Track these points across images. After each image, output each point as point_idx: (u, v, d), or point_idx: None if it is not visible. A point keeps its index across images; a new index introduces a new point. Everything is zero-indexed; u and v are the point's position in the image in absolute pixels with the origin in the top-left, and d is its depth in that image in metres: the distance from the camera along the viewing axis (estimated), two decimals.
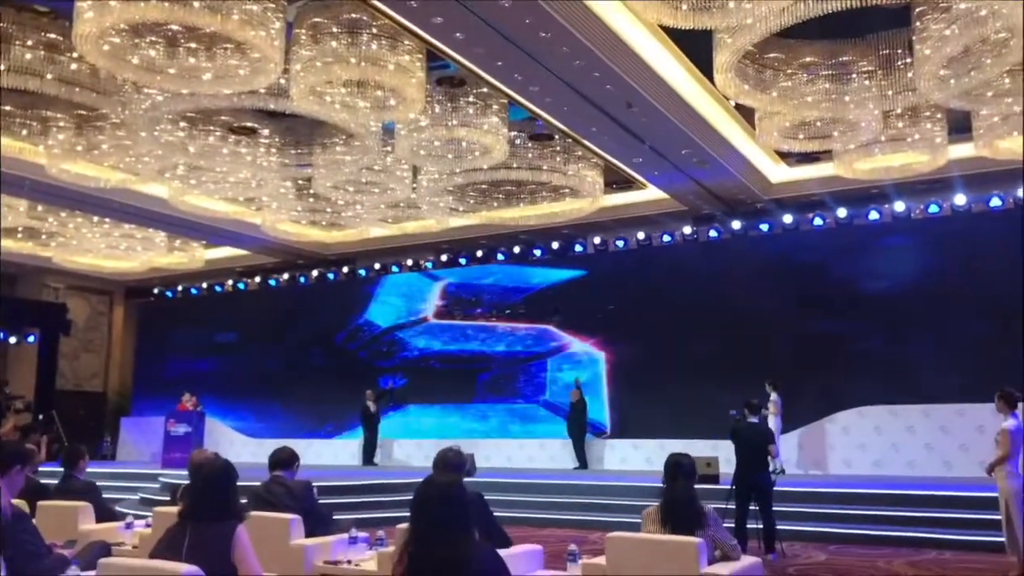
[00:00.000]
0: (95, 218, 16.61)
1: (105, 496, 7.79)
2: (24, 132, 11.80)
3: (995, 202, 13.59)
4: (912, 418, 13.62)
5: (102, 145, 12.23)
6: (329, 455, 18.68)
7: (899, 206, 14.18)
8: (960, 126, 11.58)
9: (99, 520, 6.74)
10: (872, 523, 10.30)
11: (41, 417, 18.19)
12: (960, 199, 13.72)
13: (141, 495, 13.69)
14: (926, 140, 11.56)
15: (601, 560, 5.00)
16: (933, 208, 14.03)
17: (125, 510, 9.20)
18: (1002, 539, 7.94)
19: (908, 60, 9.70)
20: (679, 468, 5.20)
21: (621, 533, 5.05)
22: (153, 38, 9.33)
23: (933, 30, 8.83)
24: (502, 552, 4.33)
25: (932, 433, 13.42)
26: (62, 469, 7.40)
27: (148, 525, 6.51)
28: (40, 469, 8.97)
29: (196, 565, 3.58)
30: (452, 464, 5.13)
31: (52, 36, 9.78)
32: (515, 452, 16.88)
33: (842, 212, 14.62)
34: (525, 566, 5.26)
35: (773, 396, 13.60)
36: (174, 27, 9.24)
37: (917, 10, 9.00)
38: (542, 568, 5.54)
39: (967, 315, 13.47)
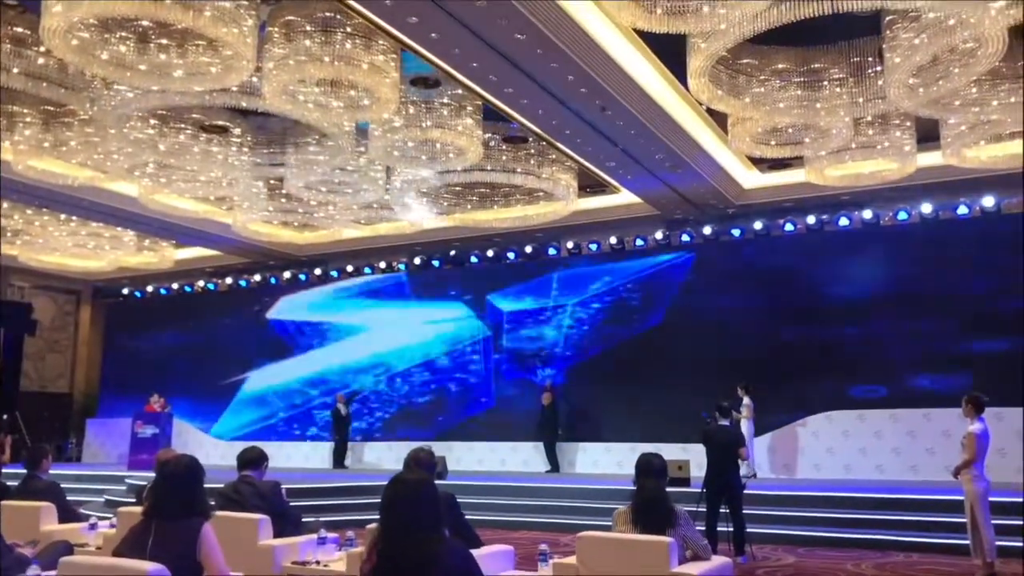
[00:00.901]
0: (62, 216, 16.35)
1: (70, 498, 7.66)
2: None
3: (962, 210, 13.78)
4: (880, 423, 13.78)
5: (70, 142, 12.03)
6: (299, 458, 18.52)
7: (868, 213, 14.34)
8: (928, 135, 11.74)
9: (62, 521, 6.63)
10: (841, 526, 10.39)
11: (4, 417, 17.85)
12: (928, 207, 13.90)
13: (107, 497, 13.49)
14: (895, 148, 11.70)
15: (572, 560, 4.99)
16: (902, 215, 14.20)
17: (90, 512, 9.07)
18: (967, 542, 8.03)
19: (879, 68, 9.82)
20: (650, 467, 5.20)
21: (592, 533, 5.04)
22: (123, 33, 9.19)
23: (903, 39, 8.94)
24: (473, 552, 4.31)
25: (899, 437, 13.58)
26: (25, 471, 7.26)
27: (112, 526, 6.40)
28: (3, 471, 8.80)
29: (161, 563, 3.52)
30: (423, 463, 5.11)
31: (19, 30, 9.60)
32: (487, 455, 16.84)
33: (812, 218, 14.76)
34: (496, 567, 5.24)
35: (746, 400, 13.71)
36: (145, 23, 9.12)
37: (887, 18, 9.11)
38: (513, 569, 5.53)
39: (934, 321, 13.67)
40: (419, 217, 15.29)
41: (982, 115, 10.53)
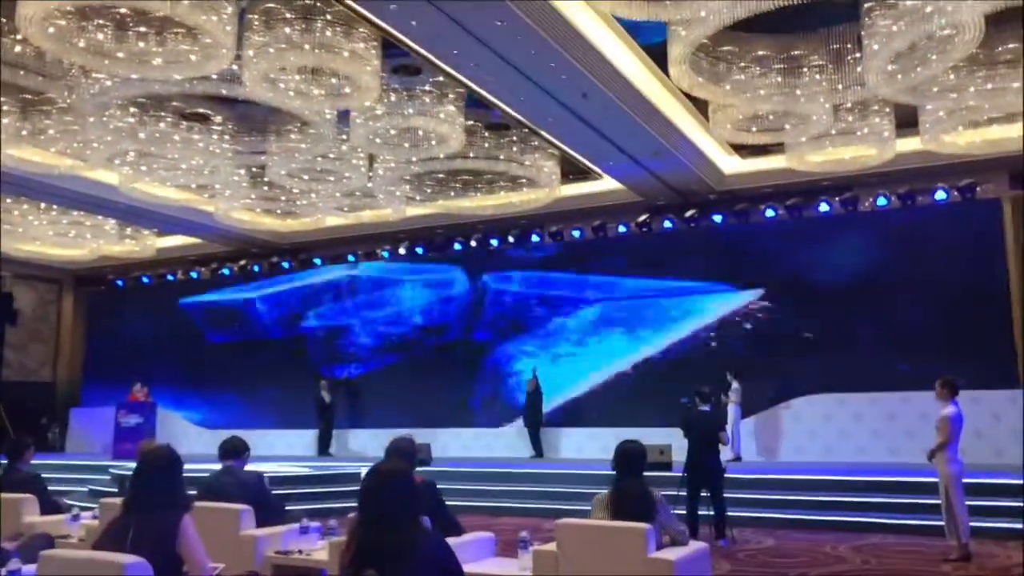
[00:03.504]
0: (42, 204, 16.22)
1: (53, 488, 7.67)
2: None
3: (940, 195, 13.89)
4: (860, 406, 13.94)
5: (49, 130, 11.94)
6: (283, 446, 18.52)
7: (848, 198, 14.42)
8: (907, 121, 11.82)
9: (44, 512, 6.63)
10: (820, 509, 10.52)
11: None
12: (906, 192, 13.99)
13: (91, 487, 13.48)
14: (875, 134, 11.79)
15: (552, 547, 5.05)
16: (881, 201, 14.30)
17: (74, 503, 9.06)
18: (942, 523, 8.16)
19: (857, 55, 9.89)
20: (629, 458, 5.22)
21: (571, 520, 5.10)
22: (100, 21, 9.13)
23: (881, 26, 9.00)
24: (453, 540, 4.36)
25: (879, 420, 13.74)
26: (5, 461, 7.25)
27: (95, 517, 6.41)
28: None
29: (141, 556, 3.55)
30: (404, 452, 5.15)
31: None
32: (471, 441, 16.92)
33: (792, 204, 14.81)
34: (477, 554, 5.29)
35: (735, 385, 13.85)
36: (122, 10, 9.06)
37: (866, 5, 9.16)
38: (493, 556, 5.58)
39: (912, 305, 13.80)
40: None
41: (959, 101, 10.62)
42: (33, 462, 7.49)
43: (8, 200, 15.80)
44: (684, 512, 8.83)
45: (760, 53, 10.29)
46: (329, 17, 9.37)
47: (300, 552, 5.63)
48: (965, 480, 8.03)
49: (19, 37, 9.41)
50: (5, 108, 11.55)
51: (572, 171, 14.52)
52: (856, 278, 14.35)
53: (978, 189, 13.54)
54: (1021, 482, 9.75)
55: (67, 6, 8.56)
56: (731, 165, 14.71)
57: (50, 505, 6.85)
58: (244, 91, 10.28)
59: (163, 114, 11.88)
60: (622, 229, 16.27)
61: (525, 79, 10.45)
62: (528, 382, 16.10)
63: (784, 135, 11.80)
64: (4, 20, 9.43)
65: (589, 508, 5.31)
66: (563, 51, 9.69)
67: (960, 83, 10.26)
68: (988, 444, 12.35)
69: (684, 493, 9.18)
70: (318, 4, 9.28)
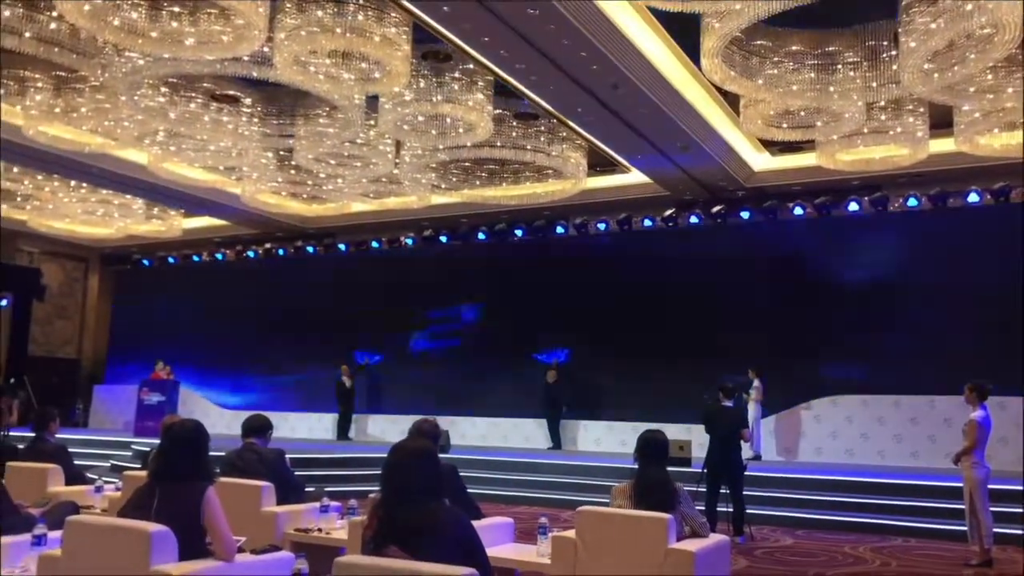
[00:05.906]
0: (72, 182, 16.39)
1: (76, 463, 7.73)
2: (0, 92, 11.60)
3: (972, 198, 13.72)
4: (883, 409, 13.80)
5: (81, 108, 12.06)
6: (304, 429, 18.65)
7: (878, 198, 14.27)
8: (942, 121, 11.66)
9: (68, 483, 6.71)
10: (840, 509, 10.43)
11: (12, 381, 17.99)
12: (937, 194, 13.82)
13: (112, 462, 13.62)
14: (908, 133, 11.63)
15: (571, 534, 5.03)
16: (912, 201, 14.13)
17: (95, 477, 9.15)
18: (965, 528, 8.07)
19: (893, 52, 9.75)
20: (652, 448, 5.19)
21: (591, 507, 5.08)
22: (135, 0, 9.18)
23: (919, 23, 8.86)
24: (473, 523, 4.36)
25: (902, 424, 13.61)
26: (32, 433, 7.34)
27: (118, 489, 6.48)
28: (11, 433, 8.89)
29: (165, 525, 3.57)
30: (427, 434, 5.13)
31: None
32: (489, 430, 16.93)
33: (822, 202, 14.68)
34: (496, 538, 5.29)
35: (756, 382, 13.75)
36: None
37: (904, 2, 9.02)
38: (512, 541, 5.58)
39: (941, 308, 13.63)
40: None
41: (996, 102, 10.45)
42: (57, 435, 7.57)
43: (39, 177, 15.98)
44: (703, 508, 8.78)
45: (794, 48, 10.17)
46: (361, 1, 9.37)
47: (320, 530, 5.66)
48: (990, 486, 7.93)
49: (55, 14, 9.49)
50: (39, 85, 11.67)
51: (599, 163, 14.45)
52: (884, 279, 14.19)
53: (1012, 192, 13.34)
54: None
55: None
56: (760, 161, 14.58)
57: (74, 476, 6.93)
58: (275, 74, 10.30)
59: (193, 95, 11.94)
60: (648, 223, 16.19)
61: (556, 68, 10.40)
62: (549, 373, 16.08)
63: (815, 132, 11.66)
64: None
65: (607, 500, 5.28)
66: (595, 41, 9.63)
67: (998, 84, 10.11)
68: (1013, 450, 12.19)
69: (703, 489, 9.14)
70: None
